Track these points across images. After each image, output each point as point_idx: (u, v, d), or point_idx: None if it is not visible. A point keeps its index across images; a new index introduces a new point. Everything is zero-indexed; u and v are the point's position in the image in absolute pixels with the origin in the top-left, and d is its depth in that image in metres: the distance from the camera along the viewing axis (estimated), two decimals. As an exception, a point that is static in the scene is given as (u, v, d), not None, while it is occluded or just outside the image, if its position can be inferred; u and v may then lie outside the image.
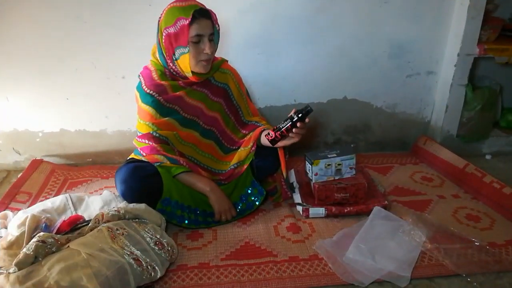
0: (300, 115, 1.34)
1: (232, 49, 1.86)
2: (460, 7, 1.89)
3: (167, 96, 1.44)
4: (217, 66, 1.52)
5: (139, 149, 1.48)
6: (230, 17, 1.82)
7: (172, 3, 1.36)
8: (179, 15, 1.32)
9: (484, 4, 1.84)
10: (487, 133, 2.14)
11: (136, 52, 1.77)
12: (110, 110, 1.92)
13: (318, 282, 1.21)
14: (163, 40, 1.38)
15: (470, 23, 1.87)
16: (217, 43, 1.44)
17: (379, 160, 2.07)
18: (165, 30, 1.36)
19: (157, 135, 1.44)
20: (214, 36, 1.39)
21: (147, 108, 1.43)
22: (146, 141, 1.44)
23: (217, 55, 1.58)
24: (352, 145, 2.16)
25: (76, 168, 1.93)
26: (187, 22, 1.30)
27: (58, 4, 1.71)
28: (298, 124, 1.34)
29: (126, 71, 1.84)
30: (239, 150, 1.53)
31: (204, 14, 1.34)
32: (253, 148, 1.49)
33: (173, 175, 1.41)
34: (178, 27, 1.32)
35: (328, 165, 1.55)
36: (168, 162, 1.42)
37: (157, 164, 1.42)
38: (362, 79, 2.03)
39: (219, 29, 1.41)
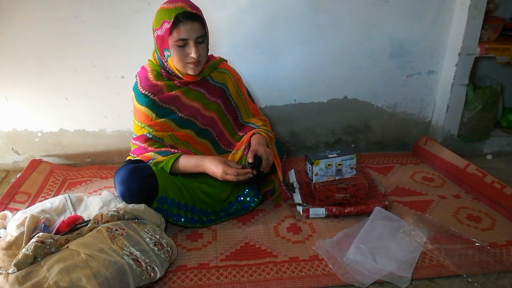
0: (255, 166, 1.35)
1: (232, 49, 1.86)
2: (460, 7, 1.89)
3: (162, 96, 1.43)
4: (215, 65, 1.51)
5: (130, 152, 1.48)
6: (230, 16, 1.82)
7: (162, 4, 1.35)
8: (164, 17, 1.31)
9: (485, 4, 1.84)
10: (488, 133, 2.14)
11: (135, 52, 1.77)
12: (109, 110, 1.92)
13: (319, 283, 1.20)
14: (155, 41, 1.38)
15: (471, 23, 1.86)
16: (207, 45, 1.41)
17: (379, 160, 2.07)
18: (155, 32, 1.36)
19: (151, 136, 1.43)
20: (204, 39, 1.36)
21: (143, 109, 1.43)
22: (138, 143, 1.44)
23: (217, 54, 1.58)
24: (352, 145, 2.16)
25: (75, 168, 1.93)
26: (169, 25, 1.29)
27: (57, 3, 1.70)
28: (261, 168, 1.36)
29: (126, 71, 1.83)
30: (232, 152, 1.53)
31: (190, 17, 1.30)
32: (245, 152, 1.48)
33: (168, 171, 1.39)
34: (164, 30, 1.32)
35: (329, 165, 1.54)
36: (159, 157, 1.39)
37: (150, 162, 1.40)
38: (362, 79, 2.03)
39: (207, 31, 1.39)
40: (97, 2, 1.72)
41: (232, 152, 1.53)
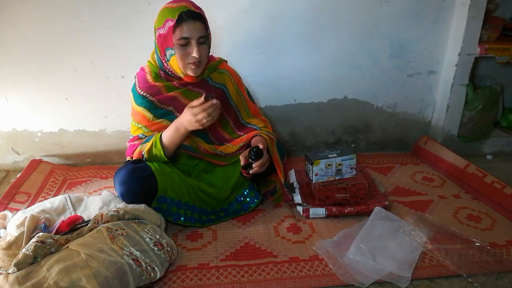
0: (252, 159, 1.35)
1: (233, 49, 1.86)
2: (461, 7, 1.89)
3: (161, 97, 1.43)
4: (214, 66, 1.51)
5: (126, 155, 1.48)
6: (231, 16, 1.82)
7: (166, 4, 1.35)
8: (167, 16, 1.30)
9: (485, 4, 1.84)
10: (488, 133, 2.14)
11: (135, 52, 1.77)
12: (109, 110, 1.92)
13: (319, 283, 1.20)
14: (156, 41, 1.37)
15: (471, 23, 1.86)
16: (209, 46, 1.40)
17: (379, 160, 2.07)
18: (157, 31, 1.35)
19: (143, 136, 1.43)
20: (206, 39, 1.36)
21: (141, 110, 1.43)
22: (131, 143, 1.45)
23: (217, 54, 1.58)
24: (352, 145, 2.16)
25: (75, 168, 1.93)
26: (173, 23, 1.28)
27: (57, 3, 1.70)
28: (254, 165, 1.36)
29: (126, 70, 1.83)
30: (227, 144, 1.53)
31: (193, 16, 1.30)
32: (242, 150, 1.49)
33: (162, 154, 1.37)
34: (166, 29, 1.31)
35: (329, 165, 1.54)
36: (146, 145, 1.39)
37: (143, 155, 1.39)
38: (362, 79, 2.03)
39: (209, 33, 1.38)
40: (97, 2, 1.72)
41: (227, 144, 1.53)
